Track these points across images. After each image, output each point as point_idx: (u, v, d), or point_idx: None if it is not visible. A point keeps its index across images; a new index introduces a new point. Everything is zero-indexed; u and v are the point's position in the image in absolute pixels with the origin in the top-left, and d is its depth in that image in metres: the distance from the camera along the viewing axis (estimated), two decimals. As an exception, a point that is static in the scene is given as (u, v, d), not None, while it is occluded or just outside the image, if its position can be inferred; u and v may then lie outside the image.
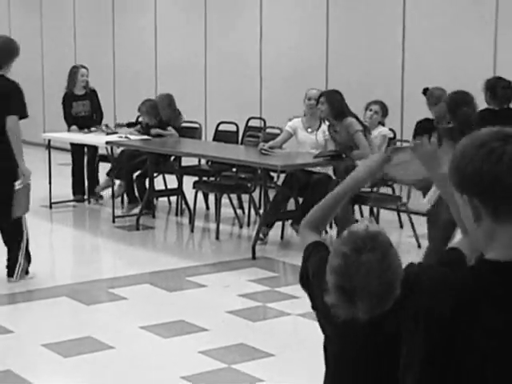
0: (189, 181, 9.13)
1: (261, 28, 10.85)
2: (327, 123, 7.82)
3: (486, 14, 8.50)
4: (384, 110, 8.25)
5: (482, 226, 1.80)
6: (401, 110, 9.32)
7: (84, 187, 9.89)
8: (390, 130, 8.73)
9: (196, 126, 9.86)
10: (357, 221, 8.05)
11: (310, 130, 7.99)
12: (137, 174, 9.31)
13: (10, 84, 6.35)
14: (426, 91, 7.58)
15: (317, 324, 5.85)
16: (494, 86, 6.90)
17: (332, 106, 7.55)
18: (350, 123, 7.52)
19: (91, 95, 9.93)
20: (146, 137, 9.15)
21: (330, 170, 7.85)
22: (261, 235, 7.68)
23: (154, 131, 9.15)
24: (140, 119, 9.73)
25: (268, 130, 9.33)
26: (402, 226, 8.57)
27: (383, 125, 8.32)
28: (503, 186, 1.74)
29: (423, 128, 7.41)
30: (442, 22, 8.89)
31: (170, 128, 9.24)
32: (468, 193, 1.79)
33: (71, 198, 9.92)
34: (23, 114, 6.28)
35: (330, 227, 8.21)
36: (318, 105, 7.64)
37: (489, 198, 1.76)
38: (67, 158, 13.20)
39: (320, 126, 7.99)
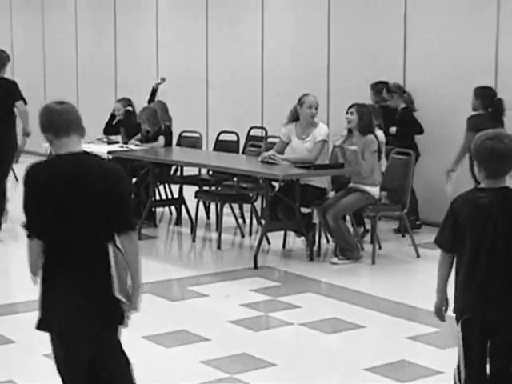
0: (188, 190, 9.14)
1: (262, 37, 10.87)
2: (343, 134, 7.87)
3: (488, 4, 8.51)
4: (375, 113, 8.23)
5: None
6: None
7: None
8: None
9: (197, 135, 9.87)
10: (353, 229, 8.06)
11: (303, 136, 7.98)
12: (135, 182, 9.31)
13: (9, 81, 8.77)
14: (389, 87, 8.89)
15: (318, 334, 5.89)
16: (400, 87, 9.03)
17: (360, 118, 7.64)
18: (372, 141, 7.59)
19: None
20: (148, 145, 9.15)
21: (318, 182, 7.87)
22: None
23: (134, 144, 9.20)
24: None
25: (269, 140, 9.34)
26: (403, 235, 8.58)
27: (379, 127, 8.30)
28: None
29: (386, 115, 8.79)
30: (443, 26, 8.90)
31: (160, 137, 9.23)
32: None
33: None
34: (25, 100, 8.60)
35: (327, 240, 8.21)
36: (347, 114, 7.70)
37: None
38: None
39: (311, 133, 7.95)
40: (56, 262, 3.67)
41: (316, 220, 8.01)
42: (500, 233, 3.70)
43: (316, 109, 7.93)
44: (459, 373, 3.82)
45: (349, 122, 7.71)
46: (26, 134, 8.70)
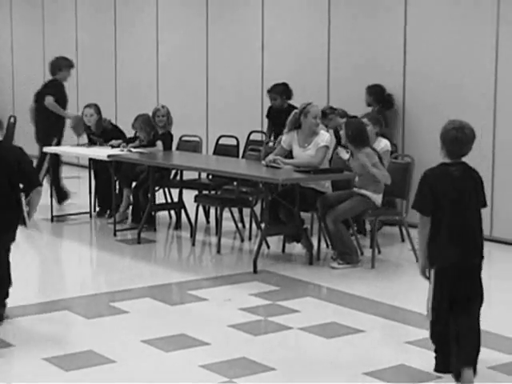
0: (187, 194, 9.15)
1: (262, 41, 10.88)
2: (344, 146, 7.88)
3: (488, 11, 8.52)
4: (374, 121, 8.19)
5: None
6: (402, 123, 9.33)
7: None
8: (393, 144, 8.72)
9: (196, 139, 9.87)
10: (352, 235, 8.06)
11: (306, 144, 8.00)
12: (134, 186, 9.32)
13: (54, 81, 10.59)
14: (323, 112, 8.73)
15: (317, 338, 5.89)
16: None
17: (347, 133, 7.64)
18: (367, 155, 7.57)
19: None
20: (146, 149, 9.18)
21: (319, 185, 7.88)
22: None
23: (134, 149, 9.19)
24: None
25: (269, 144, 9.35)
26: (403, 240, 8.58)
27: (383, 135, 8.28)
28: None
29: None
30: (443, 34, 8.91)
31: (158, 142, 9.24)
32: None
33: (73, 211, 9.94)
34: (54, 95, 10.27)
35: (327, 245, 8.22)
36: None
37: None
38: (69, 171, 13.23)
39: (312, 141, 7.97)
40: None
41: (308, 225, 8.07)
42: (471, 196, 4.88)
43: (320, 118, 7.99)
44: (428, 303, 4.94)
45: (342, 136, 7.77)
46: (68, 118, 10.42)
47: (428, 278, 4.90)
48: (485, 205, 5.01)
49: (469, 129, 4.87)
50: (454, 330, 4.86)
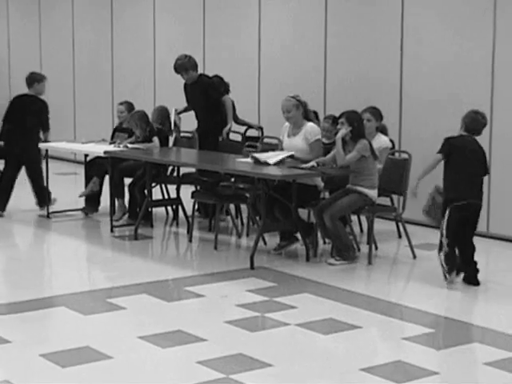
0: (184, 190, 9.15)
1: (259, 37, 10.88)
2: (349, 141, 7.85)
3: (485, 16, 8.52)
4: (376, 115, 8.19)
5: None
6: (399, 118, 9.33)
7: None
8: (390, 140, 8.70)
9: (193, 135, 9.85)
10: (350, 233, 8.05)
11: (293, 135, 8.03)
12: (130, 183, 9.31)
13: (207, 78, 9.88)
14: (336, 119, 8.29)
15: (314, 334, 5.90)
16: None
17: (353, 126, 7.58)
18: (364, 146, 7.55)
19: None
20: (143, 145, 9.17)
21: (310, 180, 7.89)
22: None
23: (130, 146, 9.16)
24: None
25: (266, 140, 9.34)
26: (400, 236, 8.59)
27: (382, 131, 8.27)
28: None
29: None
30: (441, 28, 8.92)
31: (154, 138, 9.22)
32: None
33: (69, 207, 9.93)
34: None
35: (324, 241, 8.22)
36: (338, 125, 7.68)
37: None
38: (65, 167, 13.23)
39: (300, 131, 7.98)
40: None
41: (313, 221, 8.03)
42: (478, 156, 6.84)
43: (289, 112, 7.94)
44: (442, 234, 6.73)
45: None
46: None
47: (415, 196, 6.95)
48: (487, 173, 6.91)
49: (484, 116, 6.88)
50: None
